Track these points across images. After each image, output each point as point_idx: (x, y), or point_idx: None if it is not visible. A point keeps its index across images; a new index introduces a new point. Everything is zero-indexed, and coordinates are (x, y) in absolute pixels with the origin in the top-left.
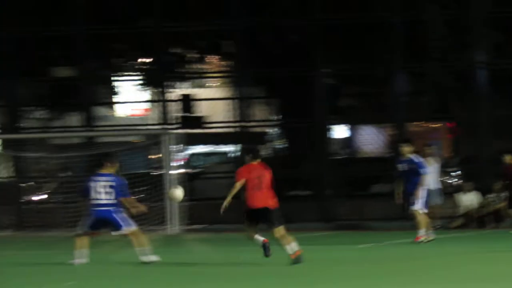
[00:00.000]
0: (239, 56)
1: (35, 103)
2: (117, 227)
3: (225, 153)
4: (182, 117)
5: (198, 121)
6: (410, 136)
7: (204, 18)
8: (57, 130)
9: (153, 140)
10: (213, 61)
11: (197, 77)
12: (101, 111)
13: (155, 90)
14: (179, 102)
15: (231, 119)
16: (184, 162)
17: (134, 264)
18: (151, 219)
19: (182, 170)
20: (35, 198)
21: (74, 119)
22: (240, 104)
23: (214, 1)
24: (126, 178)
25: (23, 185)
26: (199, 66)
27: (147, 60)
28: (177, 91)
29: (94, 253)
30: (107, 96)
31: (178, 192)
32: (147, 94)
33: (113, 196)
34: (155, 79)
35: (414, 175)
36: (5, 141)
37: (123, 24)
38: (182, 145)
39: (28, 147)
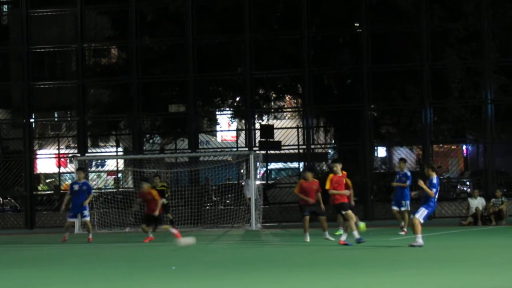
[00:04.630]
0: (306, 95)
1: (154, 131)
2: None
3: (294, 169)
4: (263, 141)
5: (275, 145)
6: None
7: (281, 67)
8: (170, 151)
9: (242, 159)
10: (287, 99)
11: (275, 111)
12: (203, 137)
13: (244, 121)
14: (261, 130)
15: (299, 143)
16: (263, 175)
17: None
18: (238, 217)
19: (261, 181)
20: None
21: (183, 143)
22: (306, 131)
23: (288, 53)
24: (219, 187)
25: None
26: (276, 103)
27: (238, 99)
28: (259, 122)
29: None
30: (208, 126)
31: (189, 240)
32: (237, 124)
33: None
34: (243, 113)
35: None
36: (130, 160)
37: (221, 71)
38: (262, 163)
39: (148, 165)
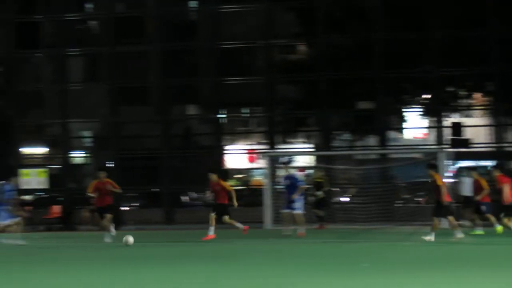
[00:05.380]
0: (496, 93)
1: (342, 128)
2: None
3: (484, 167)
4: (453, 139)
5: (465, 142)
6: None
7: (468, 65)
8: (358, 148)
9: (431, 157)
10: (476, 97)
11: (465, 109)
12: (392, 134)
13: (433, 119)
14: (450, 128)
15: (490, 141)
16: (453, 173)
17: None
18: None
19: (452, 180)
20: (342, 199)
21: (371, 140)
22: (497, 129)
23: (476, 50)
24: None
25: (333, 189)
26: (466, 100)
27: (427, 96)
28: (449, 120)
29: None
30: (396, 123)
31: (130, 239)
32: (426, 122)
33: None
34: (433, 111)
35: None
36: (319, 156)
37: (408, 68)
38: (452, 160)
39: (337, 161)
